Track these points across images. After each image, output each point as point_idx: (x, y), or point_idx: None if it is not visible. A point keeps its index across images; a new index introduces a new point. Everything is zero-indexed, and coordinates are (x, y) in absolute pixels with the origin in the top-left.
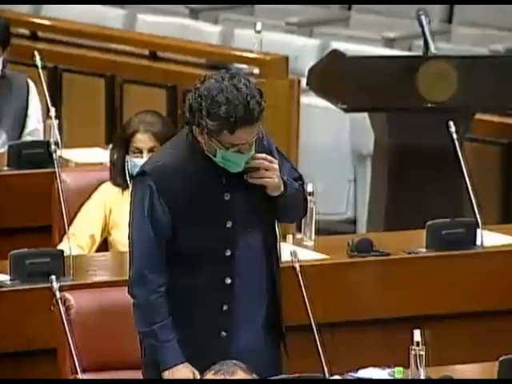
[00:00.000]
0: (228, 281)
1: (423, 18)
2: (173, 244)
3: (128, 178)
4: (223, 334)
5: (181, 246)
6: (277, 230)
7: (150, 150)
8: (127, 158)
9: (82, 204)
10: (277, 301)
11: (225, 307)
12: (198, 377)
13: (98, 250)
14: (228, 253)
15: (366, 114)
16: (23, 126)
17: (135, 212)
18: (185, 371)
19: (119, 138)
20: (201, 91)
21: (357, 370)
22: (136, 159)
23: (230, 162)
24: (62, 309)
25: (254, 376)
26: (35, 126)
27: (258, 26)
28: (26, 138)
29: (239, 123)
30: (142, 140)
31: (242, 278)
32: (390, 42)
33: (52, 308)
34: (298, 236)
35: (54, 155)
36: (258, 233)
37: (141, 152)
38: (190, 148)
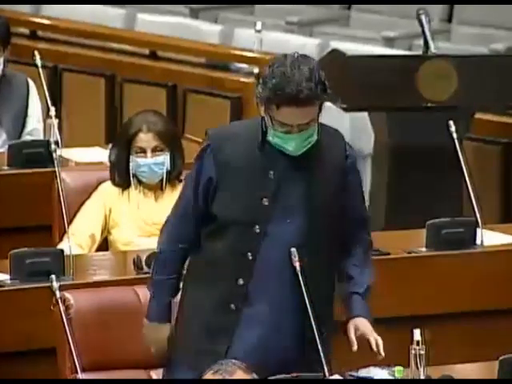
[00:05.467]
0: (249, 257)
1: (423, 17)
2: (209, 206)
3: (131, 178)
4: (232, 306)
5: (214, 210)
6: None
7: (154, 150)
8: (131, 157)
9: (82, 203)
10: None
11: (240, 281)
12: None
13: (98, 250)
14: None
15: (365, 114)
16: (23, 125)
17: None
18: (157, 331)
19: (121, 138)
20: (272, 60)
21: (357, 370)
22: (139, 159)
23: (280, 139)
24: (62, 308)
25: (254, 376)
26: (35, 125)
27: (258, 26)
28: (26, 137)
29: (284, 100)
30: (146, 139)
31: (265, 258)
32: (389, 42)
33: (52, 307)
34: None
35: (53, 154)
36: (296, 222)
37: (144, 152)
38: (258, 123)
